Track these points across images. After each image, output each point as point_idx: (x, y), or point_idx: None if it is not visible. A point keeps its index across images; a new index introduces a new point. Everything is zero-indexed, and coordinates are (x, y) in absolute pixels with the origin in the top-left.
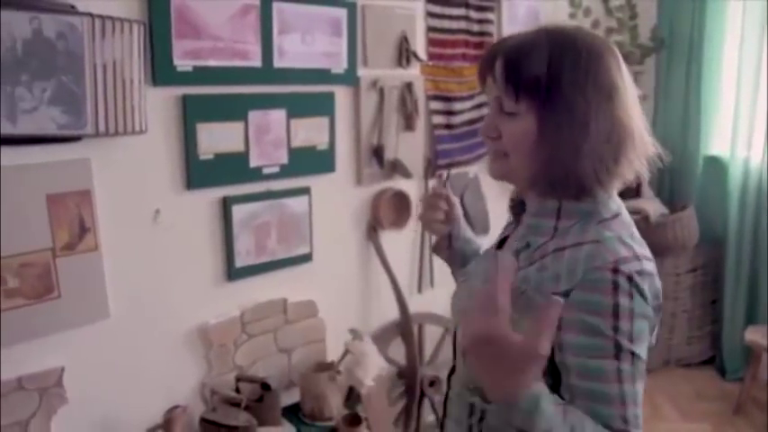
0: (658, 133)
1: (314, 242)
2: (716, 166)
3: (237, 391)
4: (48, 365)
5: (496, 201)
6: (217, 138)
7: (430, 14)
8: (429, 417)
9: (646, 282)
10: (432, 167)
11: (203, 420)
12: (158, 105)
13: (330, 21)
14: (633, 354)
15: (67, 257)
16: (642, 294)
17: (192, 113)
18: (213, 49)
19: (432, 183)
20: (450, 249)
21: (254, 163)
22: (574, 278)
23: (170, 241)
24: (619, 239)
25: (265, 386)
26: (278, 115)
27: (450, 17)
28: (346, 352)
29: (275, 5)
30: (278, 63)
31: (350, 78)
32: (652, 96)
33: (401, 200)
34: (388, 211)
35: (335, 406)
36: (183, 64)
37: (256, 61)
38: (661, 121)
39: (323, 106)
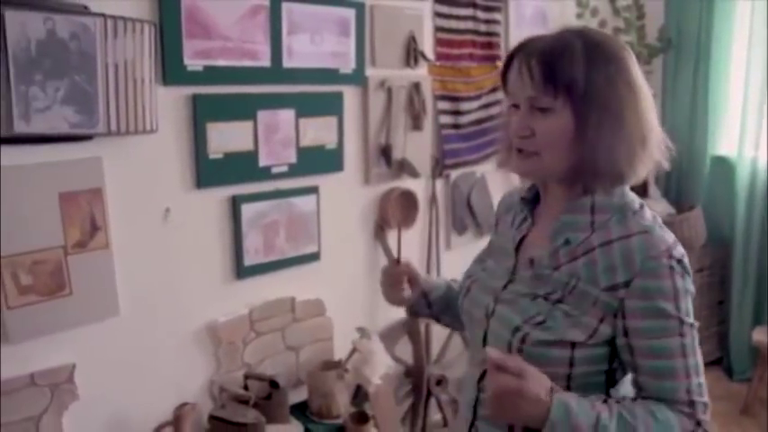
0: (666, 133)
1: (322, 241)
2: (723, 167)
3: (246, 388)
4: (59, 362)
5: None
6: (226, 137)
7: (437, 15)
8: (435, 415)
9: (687, 262)
10: (439, 167)
11: (212, 417)
12: (169, 105)
13: (338, 21)
14: (692, 326)
15: (79, 255)
16: (689, 273)
17: (202, 113)
18: (223, 49)
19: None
20: (431, 308)
21: (263, 162)
22: (632, 268)
23: (180, 239)
24: (660, 228)
25: (273, 384)
26: (287, 115)
27: (458, 17)
28: (354, 350)
29: (284, 6)
30: (287, 63)
31: (358, 78)
32: (659, 96)
33: (409, 199)
34: (395, 211)
35: (343, 404)
36: (193, 64)
37: (265, 61)
38: (668, 122)
39: (331, 106)
